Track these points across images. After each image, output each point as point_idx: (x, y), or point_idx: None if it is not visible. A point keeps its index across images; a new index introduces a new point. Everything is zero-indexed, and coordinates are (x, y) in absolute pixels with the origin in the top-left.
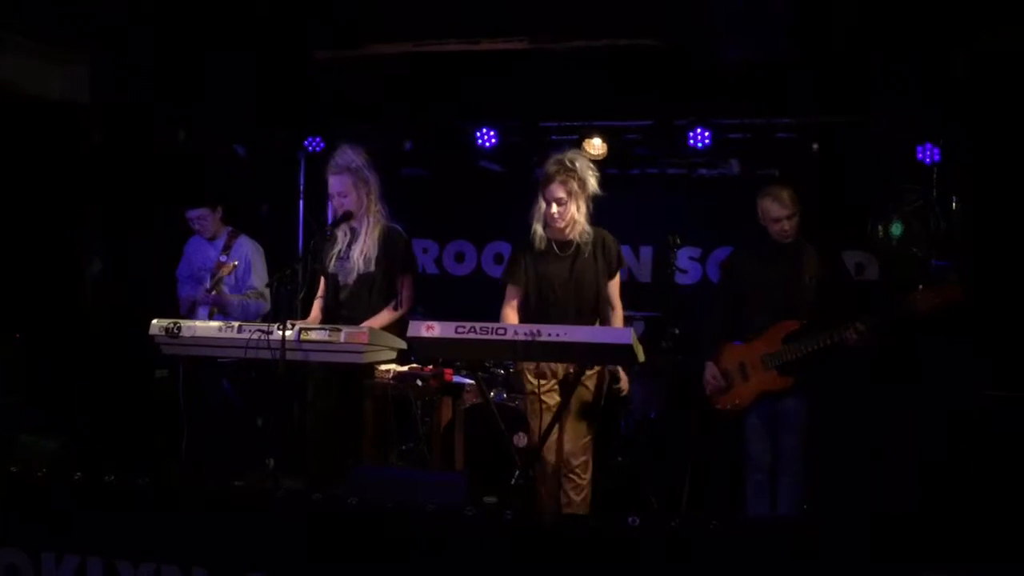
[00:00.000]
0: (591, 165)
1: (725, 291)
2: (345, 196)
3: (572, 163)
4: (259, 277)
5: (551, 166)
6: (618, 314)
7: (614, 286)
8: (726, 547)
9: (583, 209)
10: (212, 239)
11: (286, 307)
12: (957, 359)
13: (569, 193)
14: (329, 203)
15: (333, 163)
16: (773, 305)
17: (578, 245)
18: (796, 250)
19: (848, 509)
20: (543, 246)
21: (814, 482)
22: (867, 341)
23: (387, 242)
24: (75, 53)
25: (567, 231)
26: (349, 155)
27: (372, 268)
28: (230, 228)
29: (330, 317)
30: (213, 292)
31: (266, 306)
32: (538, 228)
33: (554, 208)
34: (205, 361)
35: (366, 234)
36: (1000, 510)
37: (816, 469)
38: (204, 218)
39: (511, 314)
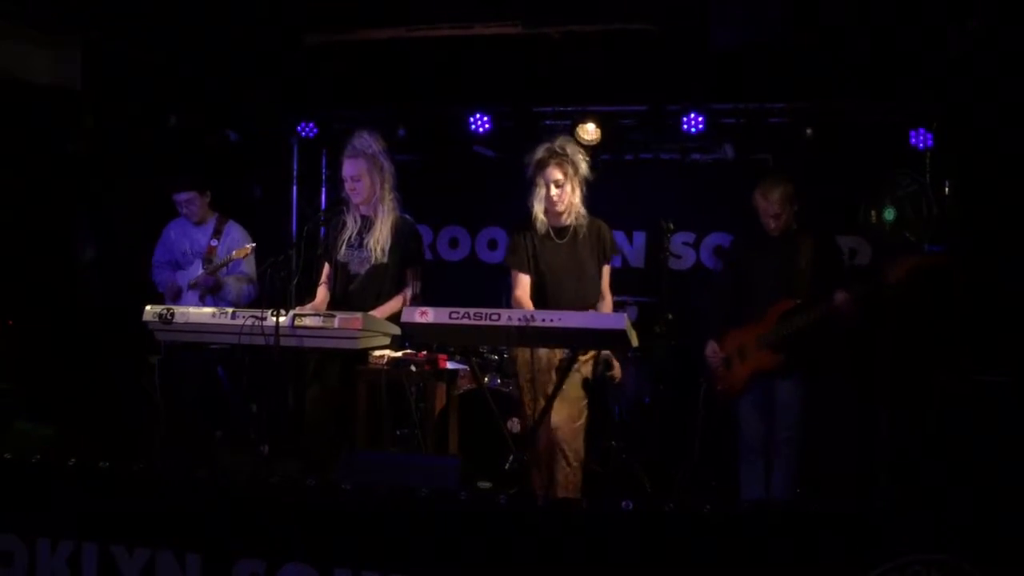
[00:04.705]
0: (580, 149)
1: (725, 278)
2: (358, 181)
3: (563, 148)
4: (249, 262)
5: (542, 152)
6: (607, 305)
7: (605, 275)
8: (720, 531)
9: (578, 193)
10: (200, 223)
11: (280, 293)
12: (947, 340)
13: (565, 175)
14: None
15: (350, 147)
16: (770, 291)
17: (574, 229)
18: (793, 237)
19: (841, 492)
20: (543, 230)
21: (807, 465)
22: (852, 311)
23: (401, 232)
24: (66, 38)
25: (564, 216)
26: (366, 140)
27: (386, 258)
28: (218, 213)
29: (337, 307)
30: (213, 276)
31: (256, 291)
32: (539, 213)
33: (553, 190)
34: (198, 347)
35: (381, 223)
36: (993, 493)
37: (810, 452)
38: (192, 202)
39: (524, 299)
